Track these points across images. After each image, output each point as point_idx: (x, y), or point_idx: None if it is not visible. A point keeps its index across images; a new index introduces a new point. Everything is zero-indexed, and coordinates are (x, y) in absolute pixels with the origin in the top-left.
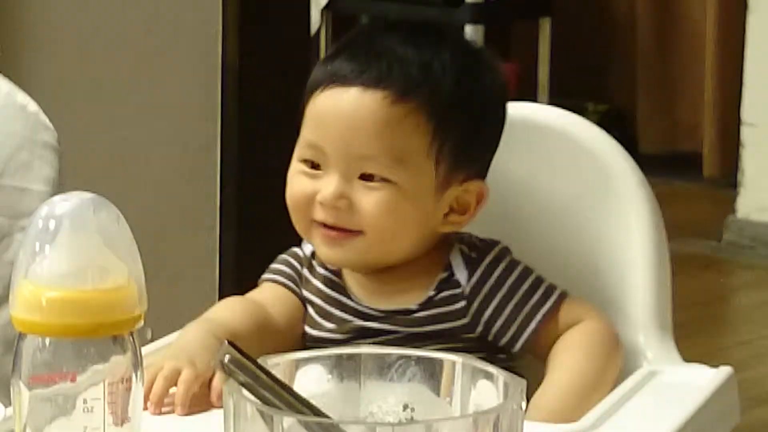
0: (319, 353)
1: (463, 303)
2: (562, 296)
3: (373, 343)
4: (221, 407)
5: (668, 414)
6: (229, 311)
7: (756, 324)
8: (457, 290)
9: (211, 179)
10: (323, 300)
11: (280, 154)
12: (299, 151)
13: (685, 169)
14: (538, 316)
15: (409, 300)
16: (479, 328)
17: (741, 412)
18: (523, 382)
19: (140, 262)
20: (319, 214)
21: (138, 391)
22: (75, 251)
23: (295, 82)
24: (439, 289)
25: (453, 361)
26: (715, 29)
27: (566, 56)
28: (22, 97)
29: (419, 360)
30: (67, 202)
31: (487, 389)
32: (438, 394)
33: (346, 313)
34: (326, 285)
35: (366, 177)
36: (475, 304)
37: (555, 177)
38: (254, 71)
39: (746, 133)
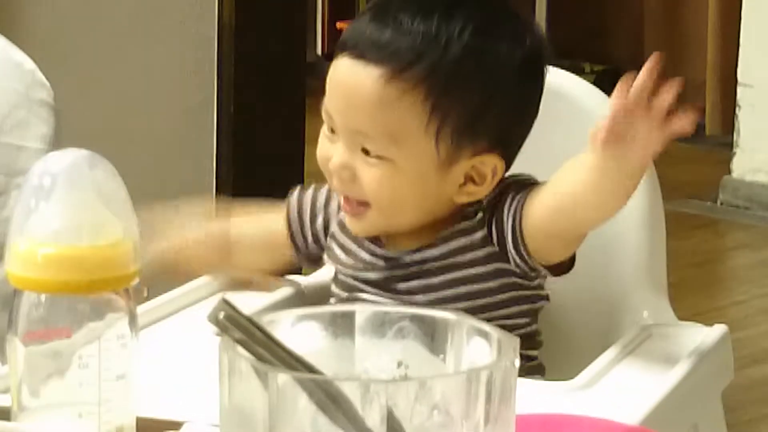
0: (313, 311)
1: (480, 215)
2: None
3: (401, 276)
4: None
5: (663, 372)
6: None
7: (751, 284)
8: (474, 219)
9: (207, 137)
10: (352, 241)
11: (276, 111)
12: (323, 113)
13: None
14: (524, 197)
15: (430, 237)
16: (493, 237)
17: (734, 371)
18: (516, 340)
19: (136, 219)
20: (333, 180)
21: (133, 348)
22: (70, 208)
23: (291, 40)
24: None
25: (447, 318)
26: None
27: (563, 16)
28: (18, 55)
29: (414, 318)
30: (62, 159)
31: (481, 347)
32: (432, 352)
33: (375, 258)
34: (354, 242)
35: (366, 151)
36: (488, 213)
37: (550, 136)
38: (250, 28)
39: (742, 94)
